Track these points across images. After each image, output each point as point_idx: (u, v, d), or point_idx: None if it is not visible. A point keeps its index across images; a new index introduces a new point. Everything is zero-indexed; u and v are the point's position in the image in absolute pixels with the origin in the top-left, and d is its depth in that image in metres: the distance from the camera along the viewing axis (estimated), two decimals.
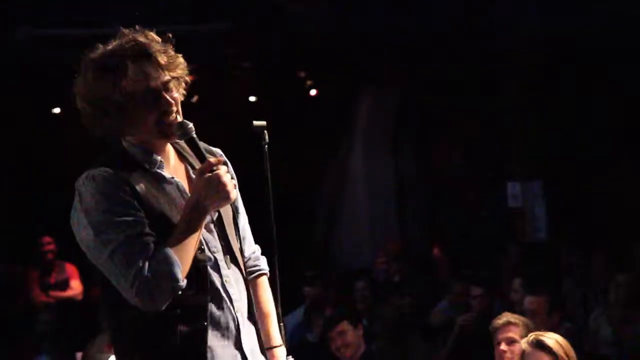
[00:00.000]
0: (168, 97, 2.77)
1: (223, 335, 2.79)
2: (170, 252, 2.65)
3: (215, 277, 2.80)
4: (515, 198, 10.15)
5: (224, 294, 2.80)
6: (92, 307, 8.32)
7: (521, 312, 5.81)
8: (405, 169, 11.98)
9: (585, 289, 8.19)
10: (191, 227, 2.70)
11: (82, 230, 2.71)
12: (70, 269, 9.51)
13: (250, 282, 2.98)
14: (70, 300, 9.43)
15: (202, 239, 2.77)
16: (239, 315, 2.83)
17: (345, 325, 6.34)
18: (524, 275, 7.53)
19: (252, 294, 2.95)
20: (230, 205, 2.89)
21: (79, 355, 6.44)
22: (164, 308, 2.67)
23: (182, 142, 2.88)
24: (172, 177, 2.84)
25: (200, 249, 2.77)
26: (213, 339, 2.77)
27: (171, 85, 2.78)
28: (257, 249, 3.14)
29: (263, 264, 3.12)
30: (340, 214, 12.06)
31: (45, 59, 9.04)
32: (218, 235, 2.86)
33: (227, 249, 2.87)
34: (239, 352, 2.83)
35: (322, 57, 10.12)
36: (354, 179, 11.95)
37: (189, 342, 2.73)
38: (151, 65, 2.75)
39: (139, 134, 2.81)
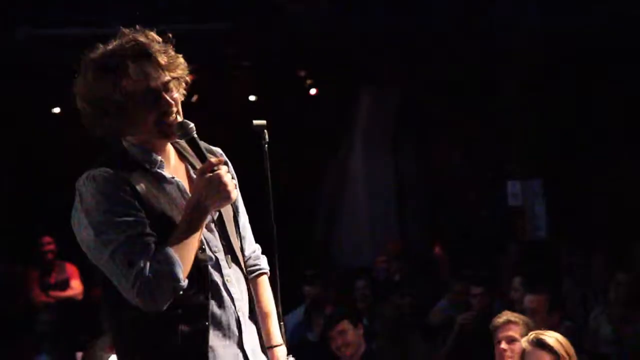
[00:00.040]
0: (168, 98, 2.77)
1: (224, 335, 2.79)
2: (171, 252, 2.65)
3: (216, 276, 2.80)
4: (515, 196, 10.15)
5: (225, 294, 2.80)
6: (92, 307, 8.32)
7: (521, 311, 5.81)
8: (405, 169, 11.98)
9: (585, 287, 8.19)
10: (192, 227, 2.70)
11: (83, 231, 2.71)
12: (71, 269, 9.51)
13: (250, 281, 2.98)
14: (71, 300, 9.42)
15: (203, 238, 2.77)
16: (240, 314, 2.83)
17: (345, 325, 6.34)
18: (524, 273, 7.54)
19: (252, 293, 2.95)
20: (231, 204, 2.89)
21: (79, 355, 6.42)
22: (165, 308, 2.67)
23: (182, 142, 2.88)
24: (173, 177, 2.84)
25: (201, 249, 2.77)
26: (214, 338, 2.77)
27: (171, 85, 2.78)
28: (258, 248, 3.14)
29: (263, 263, 3.12)
30: (340, 214, 12.06)
31: (45, 59, 9.04)
32: (219, 234, 2.86)
33: (228, 249, 2.87)
34: (241, 351, 2.82)
35: (322, 57, 10.12)
36: (354, 179, 11.94)
37: (190, 342, 2.73)
38: (151, 65, 2.75)
39: (139, 134, 2.80)
